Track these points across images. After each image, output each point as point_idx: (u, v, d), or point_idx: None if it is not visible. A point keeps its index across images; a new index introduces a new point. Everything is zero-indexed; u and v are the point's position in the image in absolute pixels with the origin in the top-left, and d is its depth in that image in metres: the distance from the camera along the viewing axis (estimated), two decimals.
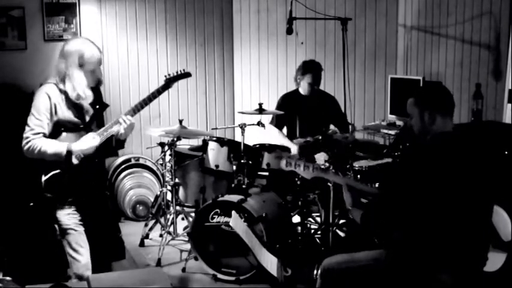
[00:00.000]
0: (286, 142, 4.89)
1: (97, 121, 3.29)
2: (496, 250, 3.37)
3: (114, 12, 5.81)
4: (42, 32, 5.57)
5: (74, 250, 3.18)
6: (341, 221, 4.66)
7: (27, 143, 3.09)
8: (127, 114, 3.26)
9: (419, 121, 2.73)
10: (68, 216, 3.19)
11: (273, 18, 6.13)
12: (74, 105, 3.19)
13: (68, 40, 3.34)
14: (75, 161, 3.12)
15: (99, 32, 5.73)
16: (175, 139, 4.79)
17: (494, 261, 3.39)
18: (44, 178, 3.12)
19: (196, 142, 5.60)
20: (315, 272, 3.92)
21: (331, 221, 4.15)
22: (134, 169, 5.74)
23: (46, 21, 5.56)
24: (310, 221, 4.94)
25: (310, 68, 5.03)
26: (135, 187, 5.58)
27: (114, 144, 3.36)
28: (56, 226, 3.21)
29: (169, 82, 3.40)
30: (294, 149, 4.73)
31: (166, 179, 5.20)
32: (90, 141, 3.15)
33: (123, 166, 5.72)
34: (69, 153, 3.09)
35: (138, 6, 5.88)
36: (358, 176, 4.20)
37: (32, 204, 4.36)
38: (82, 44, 3.19)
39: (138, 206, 5.52)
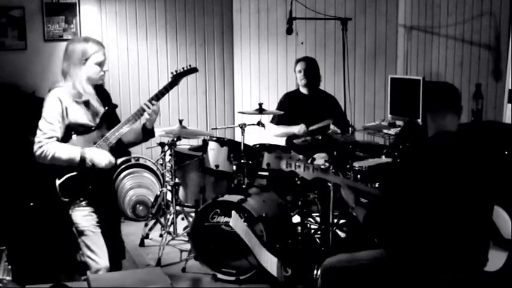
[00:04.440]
0: (289, 129, 4.90)
1: (109, 122, 3.25)
2: (497, 249, 3.37)
3: (114, 12, 5.82)
4: (42, 32, 5.58)
5: (93, 252, 3.15)
6: (341, 221, 4.66)
7: (40, 147, 3.03)
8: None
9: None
10: (85, 218, 3.16)
11: (273, 18, 6.13)
12: (84, 108, 3.17)
13: (70, 40, 3.34)
14: (89, 163, 3.11)
15: (99, 32, 5.73)
16: (175, 139, 4.79)
17: (495, 260, 3.38)
18: (58, 182, 3.09)
19: (196, 142, 5.60)
20: (315, 272, 3.92)
21: (331, 221, 4.14)
22: (134, 169, 5.74)
23: (46, 21, 5.57)
24: (310, 221, 4.94)
25: (302, 58, 5.17)
26: (135, 187, 5.58)
27: (142, 136, 3.36)
28: (73, 228, 3.17)
29: (176, 78, 3.37)
30: (301, 128, 4.76)
31: (166, 179, 5.20)
32: (105, 159, 3.12)
33: (123, 166, 5.71)
34: (83, 159, 3.07)
35: (138, 6, 5.88)
36: (358, 176, 4.20)
37: (31, 204, 4.37)
38: (84, 41, 3.18)
39: (138, 206, 5.52)
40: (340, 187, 2.98)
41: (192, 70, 3.45)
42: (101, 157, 3.11)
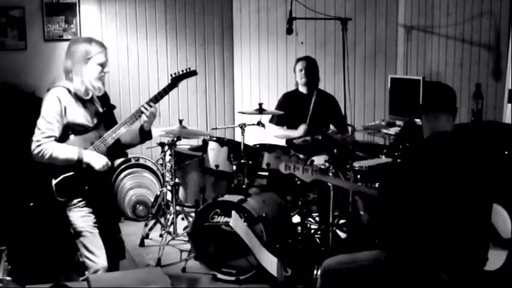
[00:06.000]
0: (289, 133, 4.91)
1: (107, 123, 3.25)
2: (497, 248, 3.37)
3: (114, 12, 5.82)
4: (42, 32, 5.58)
5: (91, 252, 3.15)
6: (341, 221, 4.66)
7: (38, 146, 3.03)
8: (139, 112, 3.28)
9: None
10: (83, 219, 3.16)
11: (273, 18, 6.13)
12: (83, 108, 3.17)
13: (72, 39, 3.35)
14: (85, 164, 3.11)
15: (99, 32, 5.73)
16: (175, 139, 4.79)
17: (495, 260, 3.38)
18: (54, 182, 3.10)
19: (196, 142, 5.60)
20: (315, 272, 3.92)
21: (331, 221, 4.15)
22: (134, 169, 5.74)
23: (46, 21, 5.57)
24: (310, 221, 4.94)
25: (303, 57, 5.18)
26: (135, 187, 5.58)
27: (140, 137, 3.35)
28: (71, 229, 3.18)
29: (175, 81, 3.37)
30: (301, 131, 4.79)
31: (166, 179, 5.20)
32: (101, 162, 3.12)
33: (123, 166, 5.71)
34: (80, 161, 3.07)
35: (138, 6, 5.88)
36: (358, 176, 4.20)
37: (31, 204, 4.37)
38: (86, 41, 3.19)
39: (138, 206, 5.52)
40: (340, 187, 2.98)
41: (191, 73, 3.45)
42: (97, 160, 3.12)
